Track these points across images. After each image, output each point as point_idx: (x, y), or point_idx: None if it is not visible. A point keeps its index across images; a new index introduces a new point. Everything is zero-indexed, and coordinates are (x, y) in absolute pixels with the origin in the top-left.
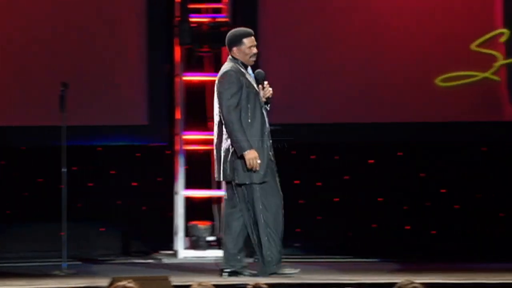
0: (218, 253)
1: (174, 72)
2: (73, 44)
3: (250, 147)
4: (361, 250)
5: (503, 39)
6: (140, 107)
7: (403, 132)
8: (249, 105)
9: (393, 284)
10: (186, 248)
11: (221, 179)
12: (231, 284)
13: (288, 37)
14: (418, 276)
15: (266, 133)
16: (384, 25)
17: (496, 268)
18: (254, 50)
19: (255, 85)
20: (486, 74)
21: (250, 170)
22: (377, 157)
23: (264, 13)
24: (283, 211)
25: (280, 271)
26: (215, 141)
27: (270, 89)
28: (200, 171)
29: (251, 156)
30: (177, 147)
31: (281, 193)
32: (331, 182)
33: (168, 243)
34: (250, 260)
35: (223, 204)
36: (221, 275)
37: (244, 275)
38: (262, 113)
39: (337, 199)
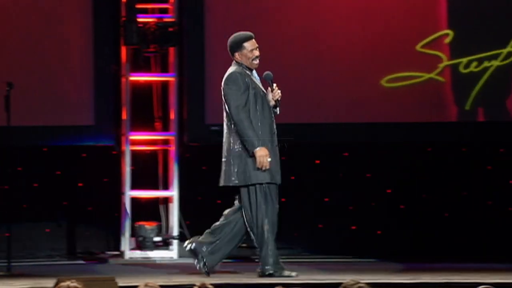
0: (164, 254)
1: (120, 73)
2: (18, 44)
3: (261, 145)
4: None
5: (447, 40)
6: (86, 108)
7: (348, 133)
8: (257, 107)
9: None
10: (133, 248)
11: (229, 183)
12: (178, 284)
13: None
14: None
15: (274, 134)
16: (329, 26)
17: (440, 267)
18: (256, 52)
19: (261, 87)
20: (431, 75)
21: (259, 169)
22: (323, 157)
23: (211, 13)
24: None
25: (278, 274)
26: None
27: (279, 91)
28: (146, 171)
29: (262, 153)
30: (123, 147)
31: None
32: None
33: (114, 243)
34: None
35: (171, 205)
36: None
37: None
38: (271, 114)
39: (283, 199)
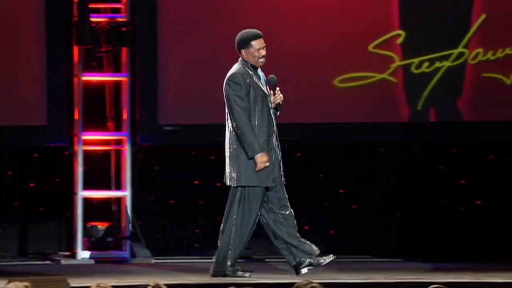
0: (117, 254)
1: (73, 73)
2: None
3: (262, 150)
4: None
5: (399, 40)
6: (38, 108)
7: (302, 133)
8: (256, 107)
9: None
10: (85, 249)
11: (227, 183)
12: (130, 285)
13: (187, 37)
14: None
15: (273, 135)
16: (283, 26)
17: (392, 267)
18: (263, 52)
19: (263, 88)
20: (383, 75)
21: (256, 172)
22: None
23: (163, 13)
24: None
25: (232, 274)
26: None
27: (281, 95)
28: (99, 171)
29: (264, 159)
30: (75, 147)
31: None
32: None
33: (66, 244)
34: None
35: (123, 205)
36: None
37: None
38: (270, 116)
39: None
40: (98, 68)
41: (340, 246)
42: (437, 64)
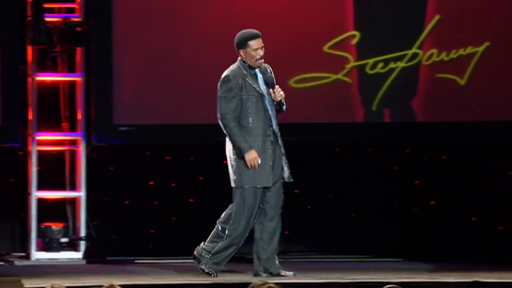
0: (71, 255)
1: (27, 73)
2: None
3: (250, 148)
4: None
5: (354, 41)
6: None
7: None
8: (249, 109)
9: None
10: (39, 249)
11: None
12: (85, 285)
13: (142, 37)
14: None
15: (272, 135)
16: (240, 26)
17: (348, 267)
18: (261, 52)
19: (259, 88)
20: (338, 76)
21: (253, 172)
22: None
23: (118, 13)
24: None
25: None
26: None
27: (282, 93)
28: (53, 172)
29: (252, 156)
30: (30, 148)
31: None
32: (187, 183)
33: (20, 244)
34: None
35: (78, 205)
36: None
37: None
38: (267, 116)
39: (191, 200)
40: (52, 68)
41: (295, 246)
42: (392, 65)
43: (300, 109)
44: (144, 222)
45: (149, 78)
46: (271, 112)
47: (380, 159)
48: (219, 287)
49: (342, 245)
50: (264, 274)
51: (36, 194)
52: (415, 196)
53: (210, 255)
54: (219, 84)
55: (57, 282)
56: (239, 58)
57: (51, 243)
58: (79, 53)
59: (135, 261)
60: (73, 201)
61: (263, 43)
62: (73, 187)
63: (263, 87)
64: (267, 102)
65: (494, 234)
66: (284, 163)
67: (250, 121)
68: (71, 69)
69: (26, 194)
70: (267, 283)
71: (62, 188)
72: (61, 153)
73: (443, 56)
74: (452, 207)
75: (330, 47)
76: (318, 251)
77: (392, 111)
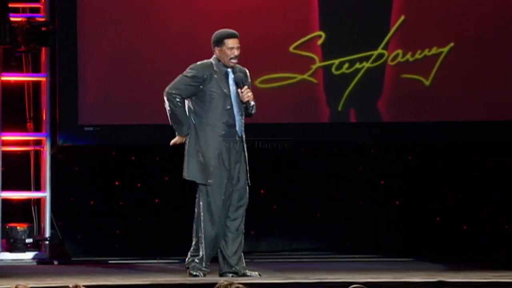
0: (36, 255)
1: None
2: None
3: (183, 133)
4: None
5: (320, 42)
6: None
7: None
8: (210, 106)
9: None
10: (4, 250)
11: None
12: (49, 286)
13: (107, 37)
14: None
15: (228, 137)
16: (203, 27)
17: (313, 268)
18: (235, 52)
19: (226, 87)
20: (304, 76)
21: (200, 170)
22: None
23: (83, 13)
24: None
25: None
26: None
27: (249, 94)
28: (18, 172)
29: (178, 140)
30: None
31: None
32: (152, 183)
33: None
34: None
35: (43, 206)
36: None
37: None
38: (226, 117)
39: (157, 200)
40: (17, 68)
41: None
42: (357, 65)
43: (266, 109)
44: (109, 223)
45: (114, 78)
46: (236, 114)
47: (345, 159)
48: (184, 287)
49: (308, 245)
50: (230, 274)
51: (1, 194)
52: (380, 196)
53: (199, 261)
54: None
55: (21, 282)
56: (214, 56)
57: (15, 243)
58: (44, 53)
59: (101, 261)
60: (38, 202)
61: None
62: (38, 188)
63: (232, 88)
64: (233, 102)
65: (459, 234)
66: (241, 166)
67: (207, 117)
68: (36, 69)
69: None
70: (233, 283)
71: (27, 188)
72: (26, 153)
73: (408, 56)
74: (417, 207)
75: (296, 48)
76: (283, 251)
77: (358, 111)
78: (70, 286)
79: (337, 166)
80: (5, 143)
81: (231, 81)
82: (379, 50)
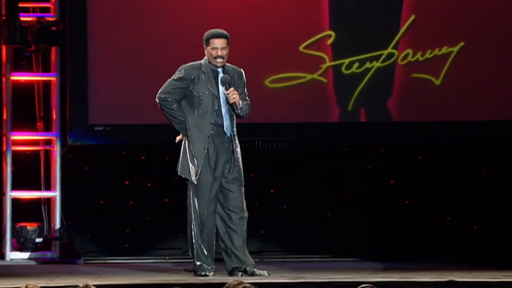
0: (46, 255)
1: (1, 72)
2: None
3: (184, 131)
4: None
5: (330, 41)
6: None
7: None
8: (196, 106)
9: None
10: (14, 250)
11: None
12: (60, 285)
13: (117, 36)
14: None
15: (214, 137)
16: (213, 26)
17: (321, 267)
18: (220, 52)
19: (214, 88)
20: (314, 76)
21: (188, 167)
22: None
23: (93, 12)
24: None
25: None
26: None
27: (235, 95)
28: (28, 172)
29: (181, 137)
30: (4, 147)
31: (217, 198)
32: (162, 183)
33: None
34: None
35: (53, 205)
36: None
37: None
38: (219, 117)
39: (167, 199)
40: (27, 67)
41: (270, 246)
42: (367, 65)
43: (276, 109)
44: (119, 222)
45: (124, 78)
46: (225, 114)
47: (355, 158)
48: (194, 286)
49: (317, 245)
50: (239, 273)
51: (11, 194)
52: (390, 196)
53: (199, 262)
54: None
55: (31, 282)
56: (205, 56)
57: (25, 243)
58: (54, 52)
59: (110, 261)
60: (48, 201)
61: (238, 43)
62: (48, 187)
63: (221, 88)
64: (221, 103)
65: (469, 234)
66: (231, 165)
67: (196, 117)
68: (45, 69)
69: (0, 194)
70: (242, 282)
71: (37, 188)
72: (36, 153)
73: (418, 56)
74: (427, 207)
75: (305, 47)
76: (293, 251)
77: (368, 111)
78: (80, 285)
79: (347, 165)
80: (15, 143)
81: (216, 82)
82: (389, 50)
